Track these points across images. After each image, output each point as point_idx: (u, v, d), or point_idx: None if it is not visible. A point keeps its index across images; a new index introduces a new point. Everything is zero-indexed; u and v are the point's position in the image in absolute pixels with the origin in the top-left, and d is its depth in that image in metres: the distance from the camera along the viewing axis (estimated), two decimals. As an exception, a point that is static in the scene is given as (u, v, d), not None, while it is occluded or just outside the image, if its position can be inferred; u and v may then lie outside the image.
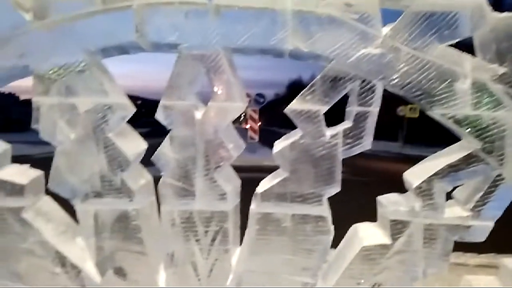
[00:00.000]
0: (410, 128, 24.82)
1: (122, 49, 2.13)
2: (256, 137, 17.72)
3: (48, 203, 2.29)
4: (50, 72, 2.06)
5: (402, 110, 23.23)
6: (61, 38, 2.03)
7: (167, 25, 2.02)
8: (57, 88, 2.07)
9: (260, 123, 18.61)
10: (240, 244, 2.35)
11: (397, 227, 2.10)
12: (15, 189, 2.12)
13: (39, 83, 2.07)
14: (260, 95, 18.50)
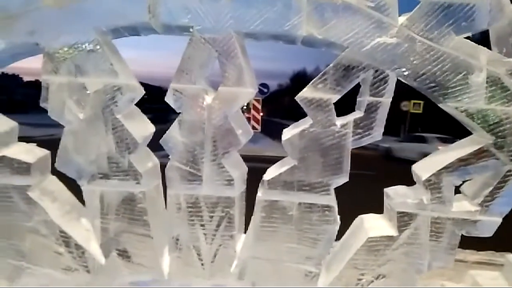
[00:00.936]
0: (412, 123, 24.74)
1: (133, 30, 2.10)
2: (259, 127, 17.68)
3: (54, 182, 2.28)
4: (60, 50, 2.04)
5: (406, 106, 23.11)
6: (72, 17, 2.00)
7: (180, 7, 2.00)
8: (67, 67, 2.05)
9: (262, 113, 18.54)
10: (244, 232, 2.34)
11: (404, 219, 2.09)
12: (22, 168, 2.11)
13: (49, 62, 2.05)
14: (263, 85, 18.40)
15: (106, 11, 2.01)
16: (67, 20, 2.01)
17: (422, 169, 2.11)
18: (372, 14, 1.95)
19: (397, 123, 23.91)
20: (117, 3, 2.00)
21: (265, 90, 18.40)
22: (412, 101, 22.32)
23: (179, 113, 2.13)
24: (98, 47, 2.04)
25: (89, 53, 2.05)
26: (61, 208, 2.24)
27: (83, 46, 2.04)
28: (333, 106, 2.06)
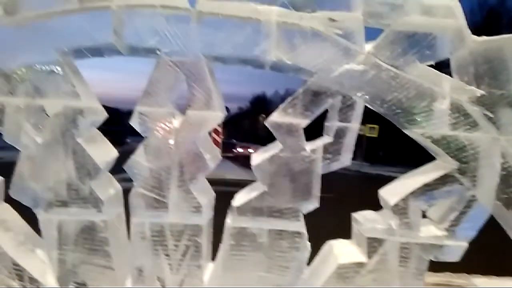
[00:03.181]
0: (369, 147, 25.47)
1: (97, 51, 2.03)
2: (219, 150, 17.54)
3: (7, 211, 2.13)
4: (18, 71, 1.93)
5: (362, 130, 23.76)
6: (32, 36, 1.91)
7: (147, 29, 1.95)
8: (25, 88, 1.95)
9: (222, 136, 18.49)
10: (212, 260, 2.27)
11: (373, 245, 2.08)
12: (-27, 196, 1.95)
13: (5, 83, 1.94)
14: (224, 108, 18.37)
15: (68, 31, 1.93)
16: (26, 40, 1.92)
17: (389, 194, 2.12)
18: (340, 41, 1.97)
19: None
20: (81, 23, 1.93)
21: (225, 113, 18.40)
22: (368, 125, 23.00)
23: (143, 136, 2.06)
24: (59, 68, 1.95)
25: (49, 74, 1.95)
26: (14, 239, 2.08)
27: (43, 67, 1.94)
28: (302, 131, 2.06)
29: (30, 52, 1.93)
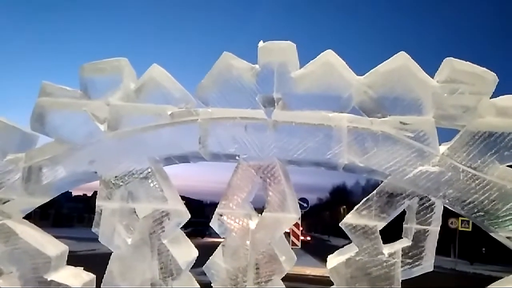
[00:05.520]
0: (462, 242, 23.36)
1: (184, 158, 2.26)
2: (299, 244, 17.11)
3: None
4: (116, 178, 2.18)
5: (454, 223, 22.03)
6: (130, 147, 2.18)
7: (228, 138, 2.14)
8: (120, 193, 2.18)
9: (302, 228, 18.11)
10: None
11: None
12: (68, 293, 2.13)
13: (104, 188, 2.19)
14: (303, 199, 18.18)
15: (161, 142, 2.19)
16: (124, 151, 2.19)
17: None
18: (412, 143, 2.00)
19: (446, 242, 22.63)
20: (171, 135, 2.18)
21: (305, 205, 18.15)
22: (460, 218, 21.33)
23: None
24: (151, 174, 2.17)
25: (142, 180, 2.18)
26: (100, 336, 2.18)
27: (138, 174, 2.18)
28: (379, 234, 2.03)
29: (127, 161, 2.19)
